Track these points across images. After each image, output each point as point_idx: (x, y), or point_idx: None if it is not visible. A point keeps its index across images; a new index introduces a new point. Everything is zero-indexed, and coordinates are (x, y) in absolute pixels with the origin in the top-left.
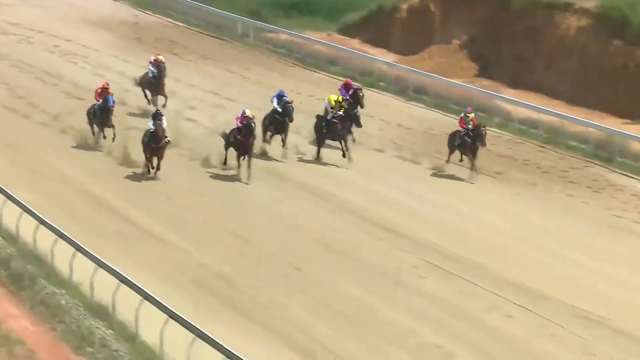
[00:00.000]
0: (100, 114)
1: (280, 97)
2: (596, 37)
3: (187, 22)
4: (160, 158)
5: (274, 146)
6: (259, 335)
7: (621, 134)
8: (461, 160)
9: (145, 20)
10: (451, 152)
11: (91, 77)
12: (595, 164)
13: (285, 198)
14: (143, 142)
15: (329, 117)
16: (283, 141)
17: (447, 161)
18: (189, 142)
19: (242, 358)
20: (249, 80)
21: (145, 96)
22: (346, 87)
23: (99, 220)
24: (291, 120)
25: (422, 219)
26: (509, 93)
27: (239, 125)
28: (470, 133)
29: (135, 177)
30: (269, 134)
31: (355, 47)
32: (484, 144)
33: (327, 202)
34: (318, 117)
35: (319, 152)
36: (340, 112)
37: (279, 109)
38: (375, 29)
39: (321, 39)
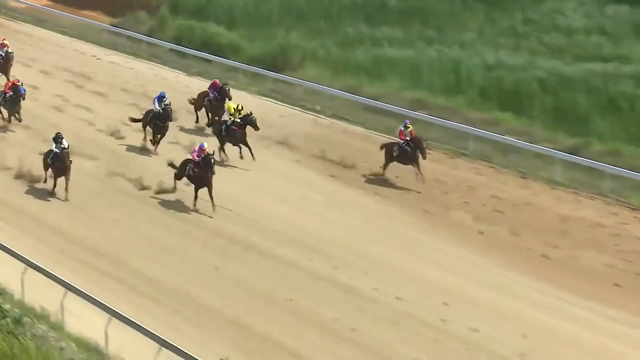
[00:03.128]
0: (12, 101)
1: (160, 98)
2: None
3: None
4: (67, 178)
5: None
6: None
7: None
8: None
9: None
10: (388, 163)
11: None
12: None
13: None
14: (46, 163)
15: (228, 123)
16: (158, 141)
17: (384, 172)
18: None
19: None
20: None
21: None
22: (214, 86)
23: None
24: (171, 120)
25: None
26: None
27: (197, 159)
28: (411, 143)
29: None
30: (149, 130)
31: None
32: (424, 157)
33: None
34: (215, 123)
35: (220, 152)
36: (238, 119)
37: (161, 111)
38: None
39: None
